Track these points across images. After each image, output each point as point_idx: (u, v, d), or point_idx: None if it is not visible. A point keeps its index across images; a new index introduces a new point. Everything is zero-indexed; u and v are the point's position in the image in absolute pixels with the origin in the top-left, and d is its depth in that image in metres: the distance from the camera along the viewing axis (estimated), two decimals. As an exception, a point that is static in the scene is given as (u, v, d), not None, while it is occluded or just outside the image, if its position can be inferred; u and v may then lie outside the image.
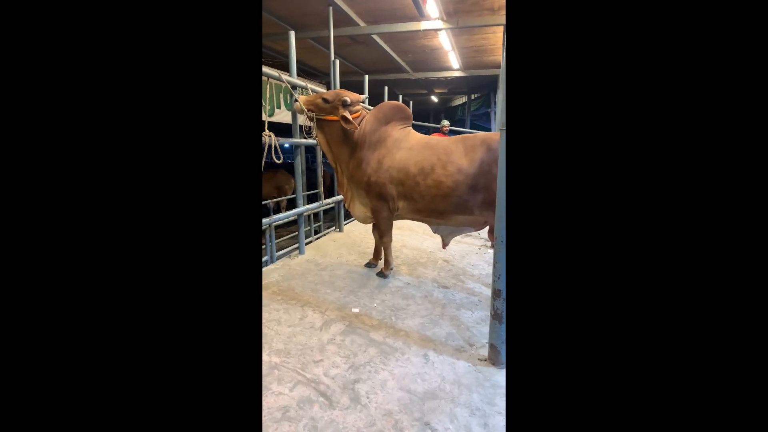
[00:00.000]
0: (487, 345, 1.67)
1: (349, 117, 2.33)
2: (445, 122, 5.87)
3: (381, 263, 2.79)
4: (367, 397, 1.41)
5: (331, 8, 4.25)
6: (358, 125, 2.40)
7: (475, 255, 3.26)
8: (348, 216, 4.45)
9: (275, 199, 5.74)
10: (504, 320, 1.56)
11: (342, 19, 4.81)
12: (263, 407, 1.35)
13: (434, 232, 2.56)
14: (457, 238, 3.45)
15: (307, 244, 3.54)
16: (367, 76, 4.55)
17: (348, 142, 2.44)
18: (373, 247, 2.91)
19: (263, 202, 5.71)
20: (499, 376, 1.55)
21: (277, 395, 1.41)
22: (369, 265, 2.85)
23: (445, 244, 2.60)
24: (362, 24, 5.11)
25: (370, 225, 2.76)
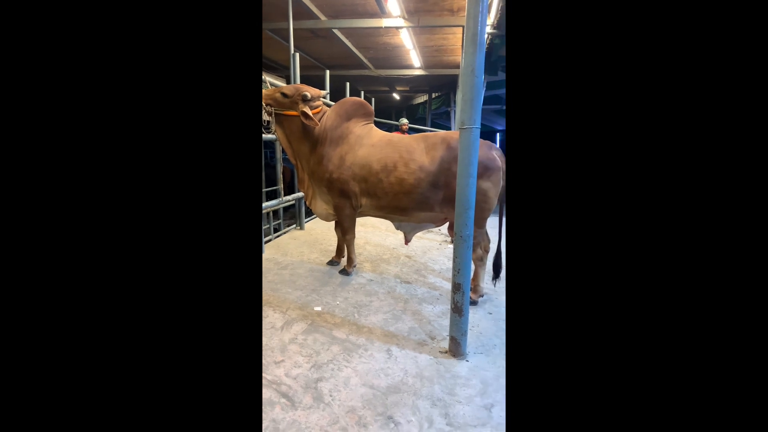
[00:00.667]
0: (448, 337, 1.72)
1: (310, 113, 2.29)
2: (404, 120, 5.93)
3: (344, 261, 2.78)
4: (330, 395, 1.40)
5: (290, 0, 4.13)
6: (319, 121, 2.36)
7: (436, 250, 3.34)
8: (309, 213, 4.37)
9: None
10: (464, 313, 1.61)
11: (302, 12, 4.69)
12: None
13: (397, 228, 2.58)
14: (419, 234, 3.52)
15: (266, 242, 3.44)
16: (328, 71, 4.49)
17: (308, 137, 2.39)
18: (336, 245, 2.88)
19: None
20: (459, 366, 1.61)
21: (236, 399, 1.36)
22: (331, 262, 2.83)
23: (407, 241, 2.64)
24: (323, 17, 5.03)
25: (333, 222, 2.73)
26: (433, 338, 1.84)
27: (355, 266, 2.65)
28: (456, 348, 1.68)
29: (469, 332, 1.75)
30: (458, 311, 1.62)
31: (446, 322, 1.94)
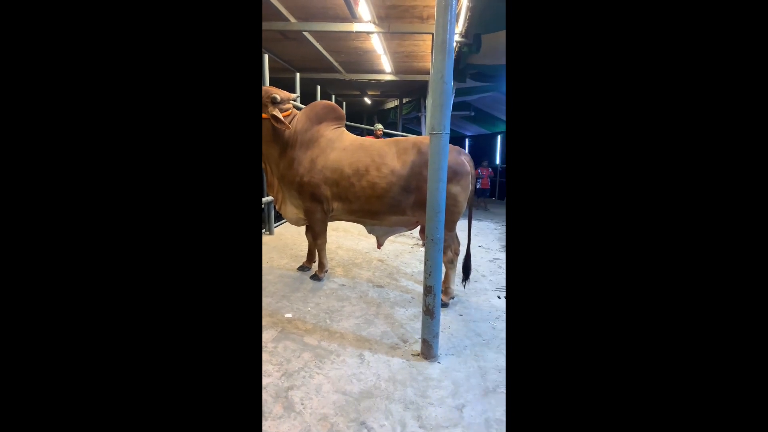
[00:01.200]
0: (420, 340, 1.74)
1: (280, 116, 2.25)
2: (379, 126, 5.96)
3: (315, 266, 2.74)
4: (302, 404, 1.37)
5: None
6: (289, 124, 2.33)
7: (408, 254, 3.37)
8: (279, 218, 4.28)
9: None
10: (435, 315, 1.63)
11: (272, 13, 4.61)
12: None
13: (369, 232, 2.58)
14: (391, 237, 3.53)
15: (234, 248, 3.33)
16: (298, 74, 4.43)
17: (278, 140, 2.35)
18: (307, 250, 2.84)
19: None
20: (431, 369, 1.62)
21: (201, 413, 1.31)
22: (302, 268, 2.78)
23: (379, 244, 2.64)
24: (293, 20, 4.97)
25: (303, 227, 2.69)
26: (405, 341, 1.84)
27: (326, 271, 2.62)
28: (428, 350, 1.69)
29: (440, 334, 1.77)
30: (430, 314, 1.64)
31: (418, 324, 1.95)
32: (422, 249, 3.46)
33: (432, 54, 1.60)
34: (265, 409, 1.33)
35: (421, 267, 2.94)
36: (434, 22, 1.48)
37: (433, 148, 1.52)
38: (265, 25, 4.33)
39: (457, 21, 4.26)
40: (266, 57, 3.55)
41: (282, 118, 2.26)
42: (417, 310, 2.19)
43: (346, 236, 3.86)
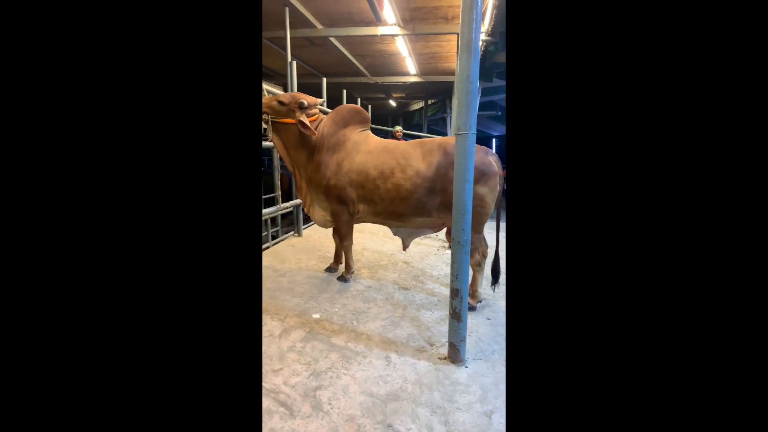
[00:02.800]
0: (447, 343, 1.72)
1: (307, 122, 2.30)
2: (398, 127, 5.97)
3: (342, 267, 2.77)
4: (329, 404, 1.39)
5: (287, 9, 4.17)
6: (315, 128, 2.37)
7: (434, 256, 3.34)
8: (307, 220, 4.36)
9: None
10: (462, 319, 1.61)
11: (299, 21, 4.73)
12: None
13: (394, 234, 2.58)
14: (417, 239, 3.52)
15: (264, 249, 3.43)
16: (325, 79, 4.52)
17: (305, 145, 2.40)
18: (334, 251, 2.88)
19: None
20: (459, 373, 1.60)
21: (233, 409, 1.35)
22: (329, 269, 2.82)
23: (405, 246, 2.64)
24: (319, 26, 5.07)
25: (330, 229, 2.73)
26: (431, 344, 1.83)
27: (353, 273, 2.65)
28: (455, 354, 1.67)
29: (467, 338, 1.74)
30: (457, 317, 1.62)
31: (445, 328, 1.93)
32: (448, 251, 3.42)
33: (457, 54, 1.58)
34: (294, 407, 1.36)
35: (448, 270, 2.90)
36: (459, 21, 1.46)
37: (459, 149, 1.50)
38: (292, 33, 4.44)
39: (482, 20, 4.20)
40: (294, 63, 3.65)
41: (308, 124, 2.30)
42: (443, 313, 2.17)
43: (371, 238, 3.88)
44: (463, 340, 1.66)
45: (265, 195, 3.84)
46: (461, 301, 1.59)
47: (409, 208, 2.29)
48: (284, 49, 4.11)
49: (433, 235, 3.50)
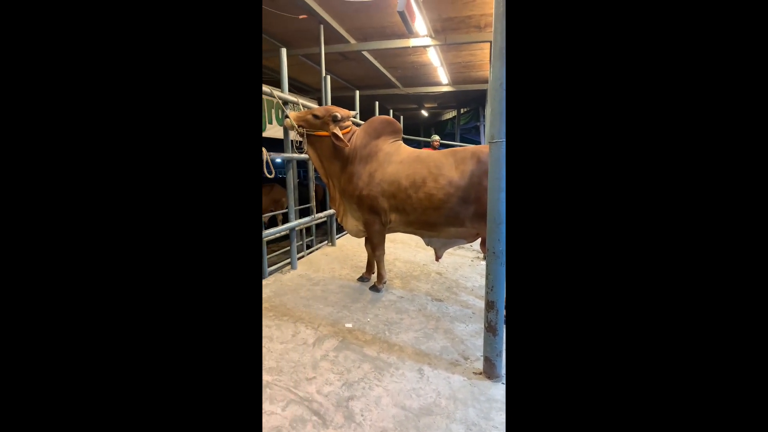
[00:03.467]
0: (482, 358, 1.66)
1: (340, 134, 2.35)
2: (436, 137, 5.95)
3: (374, 277, 2.78)
4: (362, 415, 1.38)
5: (321, 26, 4.34)
6: (349, 140, 2.42)
7: (468, 267, 3.27)
8: (340, 230, 4.44)
9: (272, 213, 5.73)
10: (498, 332, 1.55)
11: (332, 37, 4.90)
12: (254, 428, 1.31)
13: (427, 244, 2.56)
14: (450, 250, 3.46)
15: (299, 258, 3.51)
16: (357, 92, 4.62)
17: (339, 156, 2.45)
18: (366, 261, 2.89)
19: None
20: (495, 389, 1.54)
21: (269, 415, 1.38)
22: (362, 279, 2.83)
23: (438, 257, 2.60)
24: (352, 41, 5.22)
25: (363, 239, 2.75)
26: (466, 358, 1.77)
27: (385, 282, 2.64)
28: (491, 369, 1.61)
29: (504, 353, 1.68)
30: (492, 330, 1.56)
31: (480, 341, 1.87)
32: (483, 262, 3.33)
33: (490, 62, 1.56)
34: (326, 417, 1.37)
35: (482, 281, 2.83)
36: (492, 29, 1.45)
37: (493, 157, 1.47)
38: (327, 48, 4.60)
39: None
40: (328, 78, 3.77)
41: (341, 136, 2.36)
42: (478, 326, 2.10)
43: (403, 248, 3.87)
44: (500, 354, 1.60)
45: (300, 206, 3.95)
46: (497, 314, 1.54)
47: (441, 218, 2.27)
48: (319, 64, 4.26)
49: (467, 245, 3.43)
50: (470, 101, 9.88)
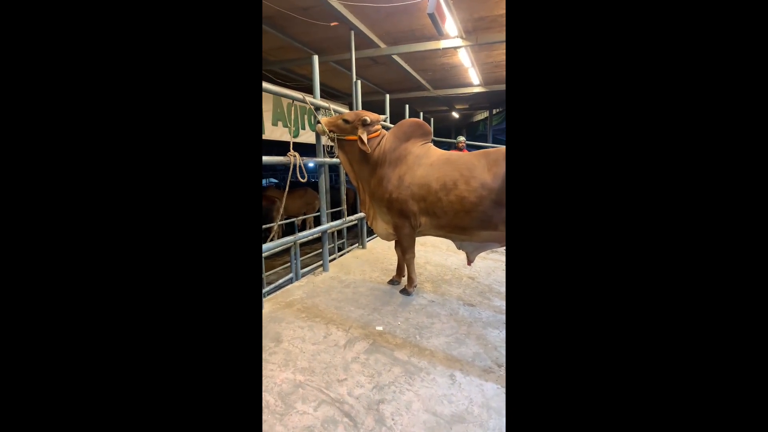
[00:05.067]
0: (517, 366, 1.60)
1: (365, 139, 2.36)
2: (461, 138, 5.88)
3: (404, 280, 2.77)
4: (392, 419, 1.37)
5: (352, 32, 4.41)
6: (378, 144, 2.43)
7: (501, 272, 3.18)
8: (371, 233, 4.47)
9: (304, 216, 5.88)
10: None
11: (363, 42, 4.96)
12: (288, 426, 1.34)
13: (458, 248, 2.52)
14: (483, 254, 3.38)
15: (330, 261, 3.57)
16: (388, 95, 4.64)
17: (369, 160, 2.47)
18: (396, 264, 2.89)
19: (292, 219, 5.87)
20: (531, 399, 1.48)
21: (301, 414, 1.40)
22: (392, 282, 2.83)
23: (470, 261, 2.55)
24: (382, 45, 5.26)
25: (393, 242, 2.75)
26: (500, 366, 1.72)
27: (415, 286, 2.63)
28: (526, 378, 1.55)
29: (540, 361, 1.61)
30: (527, 337, 1.50)
31: (514, 348, 1.81)
32: (517, 266, 3.22)
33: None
34: (357, 419, 1.37)
35: (517, 286, 2.73)
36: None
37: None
38: (357, 54, 4.66)
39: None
40: (359, 83, 3.82)
41: (365, 140, 2.36)
42: (512, 332, 2.04)
43: (434, 251, 3.83)
44: (535, 363, 1.54)
45: (332, 209, 4.03)
46: (532, 321, 1.48)
47: (473, 221, 2.22)
48: (350, 69, 4.32)
49: (500, 249, 3.34)
50: (503, 101, 9.65)
